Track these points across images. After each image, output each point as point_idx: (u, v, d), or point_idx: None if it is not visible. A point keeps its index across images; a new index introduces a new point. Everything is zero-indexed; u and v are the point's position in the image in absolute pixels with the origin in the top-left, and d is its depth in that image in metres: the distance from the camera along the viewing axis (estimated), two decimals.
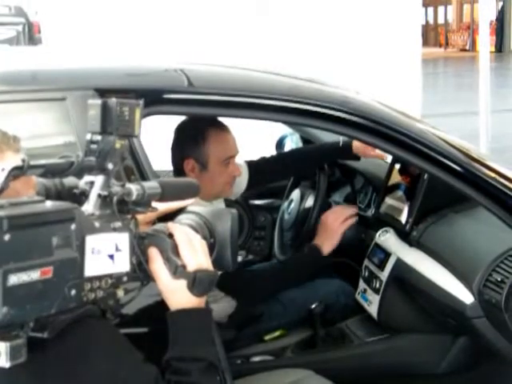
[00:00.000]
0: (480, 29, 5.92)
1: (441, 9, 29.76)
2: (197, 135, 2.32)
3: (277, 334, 2.54)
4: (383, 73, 5.37)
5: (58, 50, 3.45)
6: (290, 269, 2.59)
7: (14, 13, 10.50)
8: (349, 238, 2.77)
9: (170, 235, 1.23)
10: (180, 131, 2.38)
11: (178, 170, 2.35)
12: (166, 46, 4.53)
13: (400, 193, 2.49)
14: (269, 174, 2.84)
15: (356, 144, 2.69)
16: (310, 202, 2.88)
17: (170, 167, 2.45)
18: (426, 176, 2.32)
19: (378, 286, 2.45)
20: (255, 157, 2.79)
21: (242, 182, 2.63)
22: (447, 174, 1.98)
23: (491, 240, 2.09)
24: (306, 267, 2.57)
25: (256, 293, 2.48)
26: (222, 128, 2.36)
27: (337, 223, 2.55)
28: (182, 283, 1.20)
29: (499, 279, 1.92)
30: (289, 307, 2.57)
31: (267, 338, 2.53)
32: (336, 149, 2.78)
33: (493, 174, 2.01)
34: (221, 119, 2.38)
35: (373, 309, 2.47)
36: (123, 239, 1.12)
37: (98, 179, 1.15)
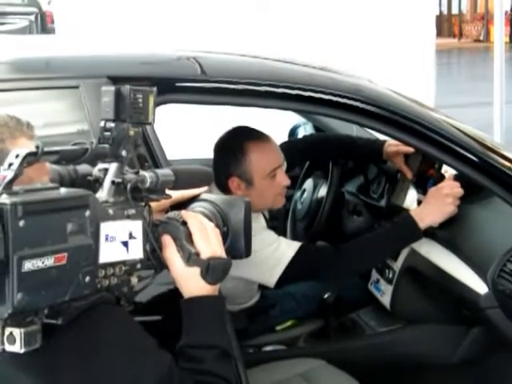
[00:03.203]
0: (495, 19, 5.87)
1: None
2: (236, 151, 2.18)
3: (289, 323, 2.54)
4: (397, 63, 5.36)
5: (71, 38, 3.45)
6: (382, 241, 2.28)
7: (26, 2, 10.51)
8: (362, 228, 2.77)
9: (184, 223, 1.23)
10: (219, 148, 2.25)
11: (223, 189, 2.20)
12: (167, 41, 4.54)
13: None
14: (302, 155, 2.80)
15: (387, 149, 2.57)
16: (322, 191, 2.87)
17: (184, 156, 2.44)
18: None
19: (391, 276, 2.44)
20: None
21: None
22: (462, 163, 1.97)
23: (506, 230, 2.07)
24: (399, 241, 2.27)
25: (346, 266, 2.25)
26: (262, 139, 2.22)
27: (450, 199, 2.14)
28: (196, 271, 1.20)
29: None
30: (302, 302, 2.56)
31: (279, 328, 2.53)
32: (368, 147, 2.67)
33: (508, 164, 1.99)
34: (261, 129, 2.26)
35: (386, 299, 2.46)
36: (137, 226, 1.12)
37: (112, 166, 1.15)
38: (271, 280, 2.17)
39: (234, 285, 2.22)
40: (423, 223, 2.15)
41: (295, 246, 2.18)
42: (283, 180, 2.25)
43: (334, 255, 2.22)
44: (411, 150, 2.41)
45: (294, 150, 2.69)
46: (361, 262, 2.27)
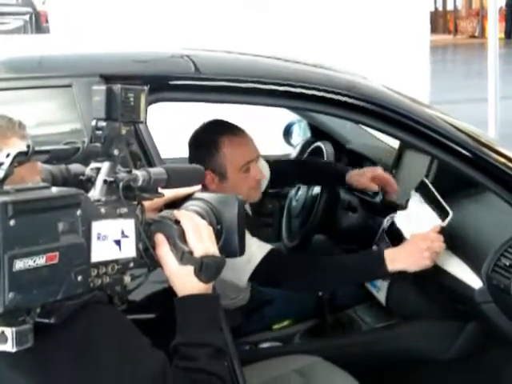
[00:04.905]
0: (489, 15, 5.87)
1: None
2: (209, 145, 2.18)
3: (285, 323, 2.55)
4: (392, 60, 5.35)
5: (63, 36, 3.45)
6: (344, 266, 2.21)
7: (20, 3, 10.49)
8: (357, 224, 2.77)
9: (177, 222, 1.23)
10: (193, 143, 2.25)
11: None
12: (163, 40, 4.52)
13: None
14: (289, 177, 2.80)
15: (349, 176, 2.60)
16: (317, 188, 2.88)
17: (177, 155, 2.44)
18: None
19: None
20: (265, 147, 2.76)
21: (263, 181, 2.42)
22: (456, 159, 1.97)
23: (500, 225, 2.08)
24: (363, 272, 2.20)
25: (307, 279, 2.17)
26: (236, 133, 2.22)
27: (428, 252, 2.04)
28: (189, 269, 1.20)
29: (508, 264, 1.91)
30: (297, 302, 2.56)
31: (276, 327, 2.53)
32: (336, 175, 2.70)
33: (502, 160, 1.99)
34: (236, 123, 2.25)
35: (381, 295, 2.47)
36: (129, 225, 1.12)
37: (104, 165, 1.15)
38: (242, 278, 2.11)
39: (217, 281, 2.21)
40: (392, 266, 2.05)
41: (266, 248, 2.12)
42: (257, 173, 2.24)
43: (300, 266, 2.17)
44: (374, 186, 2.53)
45: (283, 171, 2.71)
46: (323, 280, 2.19)
